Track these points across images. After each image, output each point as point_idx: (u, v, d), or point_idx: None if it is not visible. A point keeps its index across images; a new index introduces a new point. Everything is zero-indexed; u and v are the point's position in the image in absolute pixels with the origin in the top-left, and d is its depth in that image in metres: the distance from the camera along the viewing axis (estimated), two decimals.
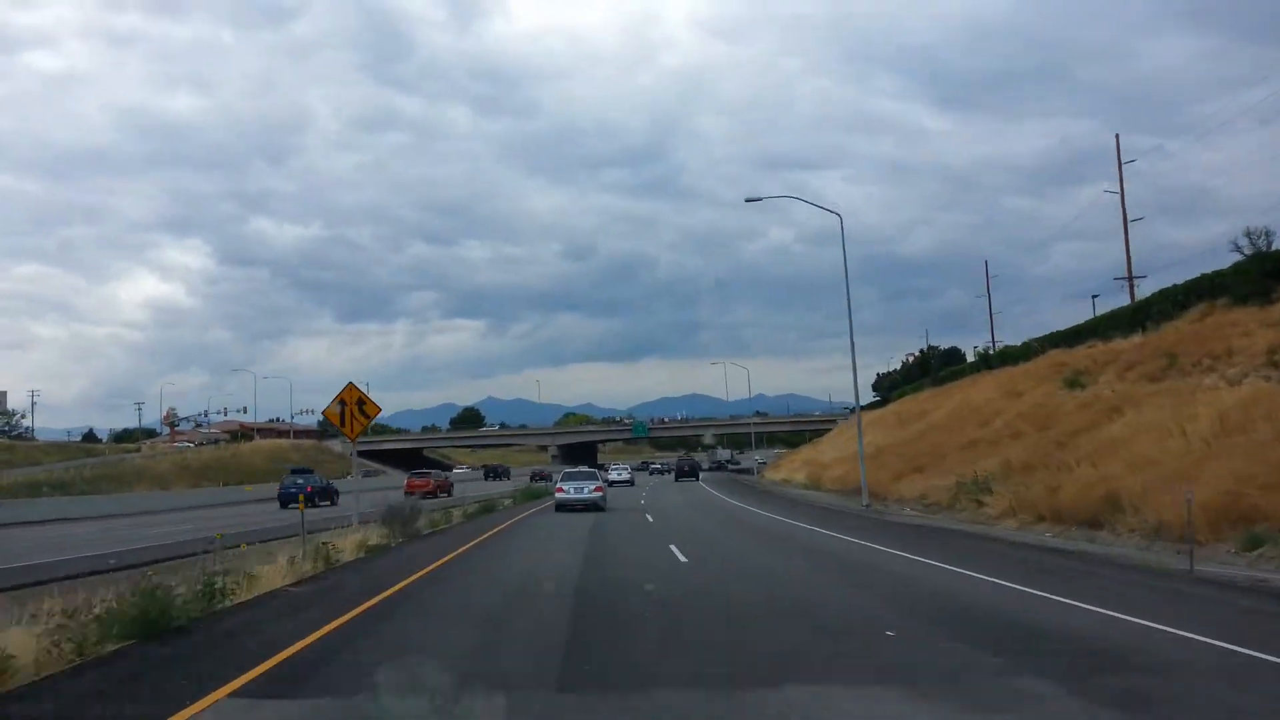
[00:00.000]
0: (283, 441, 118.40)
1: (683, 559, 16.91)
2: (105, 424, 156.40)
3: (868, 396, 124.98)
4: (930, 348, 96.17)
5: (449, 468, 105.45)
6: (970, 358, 78.60)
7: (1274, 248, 34.77)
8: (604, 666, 7.69)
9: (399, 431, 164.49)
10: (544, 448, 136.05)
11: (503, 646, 8.55)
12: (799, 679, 7.04)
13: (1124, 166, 55.70)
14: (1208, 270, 35.25)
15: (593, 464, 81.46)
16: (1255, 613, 10.52)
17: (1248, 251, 34.88)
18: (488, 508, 33.14)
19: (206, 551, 11.14)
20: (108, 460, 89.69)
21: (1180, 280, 37.74)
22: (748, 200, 33.14)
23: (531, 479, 68.20)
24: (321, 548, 14.87)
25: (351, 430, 20.65)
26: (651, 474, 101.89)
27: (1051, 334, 50.70)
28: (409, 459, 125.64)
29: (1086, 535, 19.61)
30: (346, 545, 16.58)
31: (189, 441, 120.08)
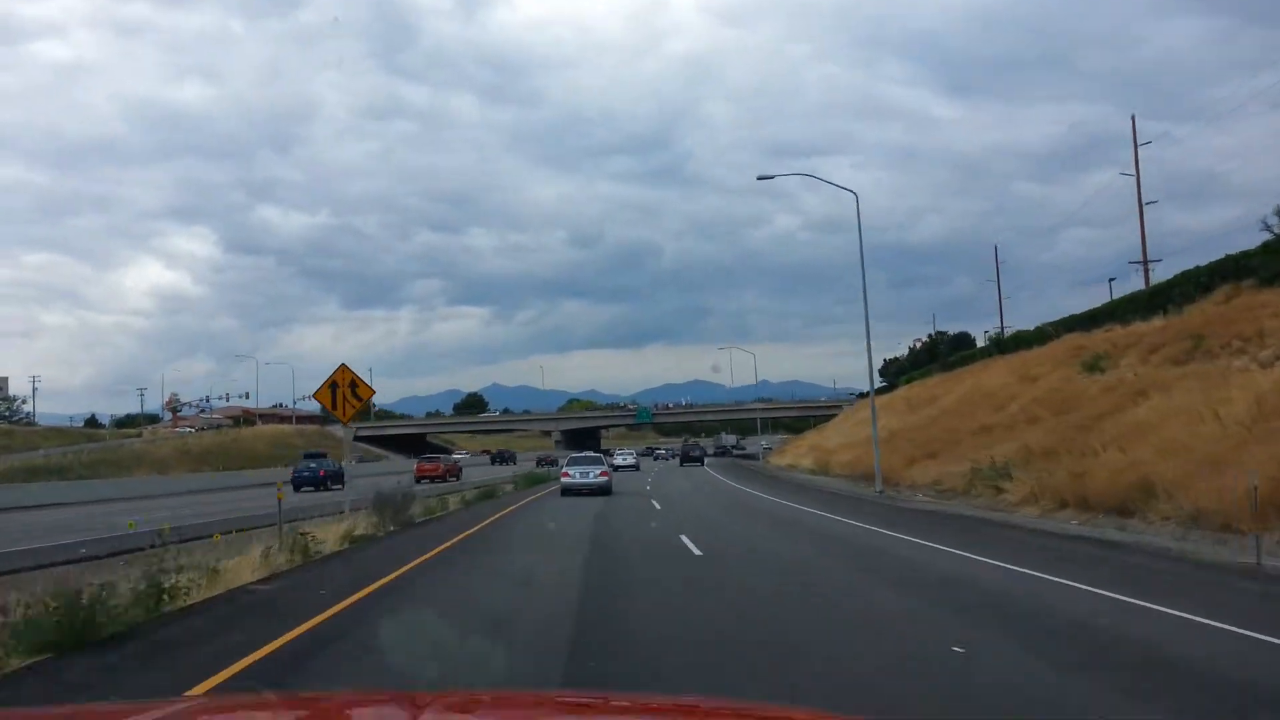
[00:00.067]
0: (285, 427, 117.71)
1: (696, 551, 15.65)
2: (112, 410, 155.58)
3: (876, 381, 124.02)
4: (939, 333, 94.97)
5: (451, 453, 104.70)
6: (980, 343, 77.42)
7: None
8: (612, 684, 6.66)
9: (403, 417, 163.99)
10: (548, 433, 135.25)
11: (494, 660, 7.26)
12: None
13: (1134, 152, 54.57)
14: (1219, 254, 34.25)
15: (597, 449, 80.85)
16: None
17: (1278, 230, 33.68)
18: (488, 494, 31.91)
19: (154, 546, 9.83)
20: (108, 445, 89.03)
21: (1193, 264, 36.72)
22: (760, 178, 32.00)
23: (538, 464, 67.66)
24: (300, 539, 13.70)
25: (344, 413, 19.63)
26: (656, 459, 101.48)
27: (1067, 318, 49.68)
28: (413, 444, 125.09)
29: (1115, 523, 18.59)
30: (329, 535, 15.35)
31: (190, 427, 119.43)
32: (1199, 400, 21.98)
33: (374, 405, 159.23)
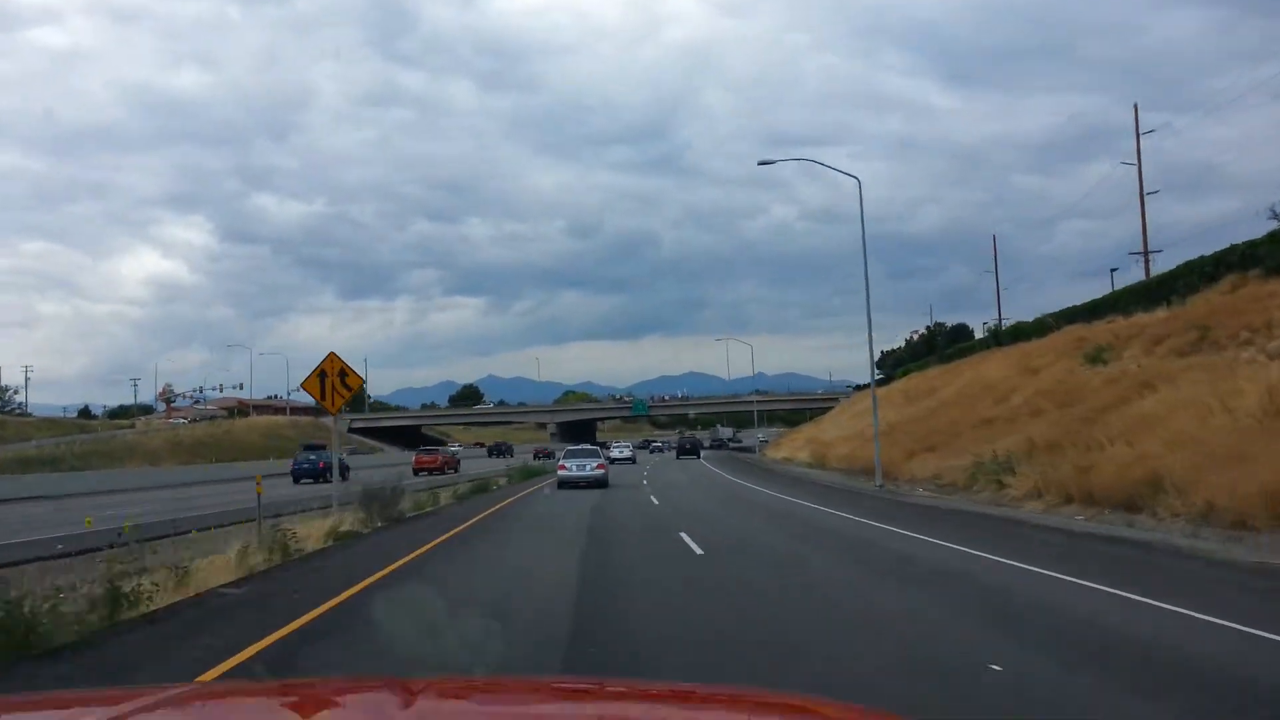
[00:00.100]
0: (279, 418, 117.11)
1: (696, 550, 14.81)
2: (107, 401, 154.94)
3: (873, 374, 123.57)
4: (937, 324, 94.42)
5: (446, 445, 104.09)
6: (979, 334, 76.95)
7: None
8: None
9: (398, 409, 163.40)
10: (543, 425, 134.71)
11: (483, 671, 6.68)
12: None
13: (1134, 141, 54.09)
14: (1218, 246, 33.82)
15: (592, 442, 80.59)
16: None
17: None
18: (481, 487, 31.23)
19: (112, 546, 9.16)
20: (100, 436, 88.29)
21: (1190, 255, 36.31)
22: (761, 163, 31.39)
23: (534, 457, 67.52)
24: (279, 536, 12.98)
25: (332, 403, 19.08)
26: (652, 452, 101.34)
27: (1067, 309, 49.30)
28: (407, 437, 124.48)
29: (1123, 519, 18.11)
30: (313, 532, 14.69)
31: (183, 418, 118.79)
32: (1207, 392, 21.49)
33: (369, 396, 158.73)
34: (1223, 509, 15.47)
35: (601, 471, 34.35)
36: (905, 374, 76.47)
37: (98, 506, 28.24)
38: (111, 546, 9.00)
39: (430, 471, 51.05)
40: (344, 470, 50.43)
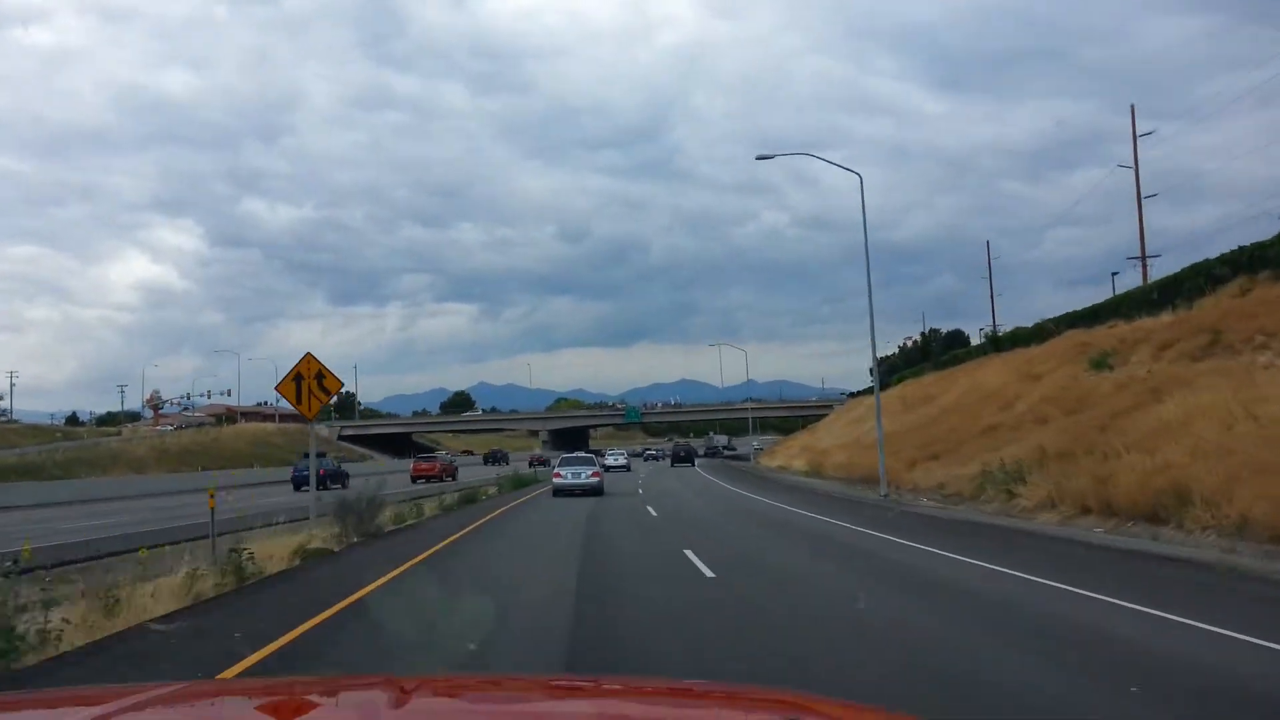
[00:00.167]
0: (267, 425, 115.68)
1: (707, 572, 13.08)
2: (95, 408, 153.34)
3: (865, 381, 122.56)
4: (932, 330, 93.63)
5: (435, 453, 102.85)
6: (975, 340, 76.09)
7: None
8: None
9: (389, 416, 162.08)
10: (535, 433, 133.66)
11: None
12: None
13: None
14: (1211, 252, 33.02)
15: (585, 449, 79.79)
16: None
17: None
18: (469, 498, 29.85)
19: (7, 574, 7.70)
20: (84, 444, 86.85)
21: (1184, 262, 35.58)
22: (759, 158, 30.40)
23: (530, 464, 66.79)
24: (234, 557, 11.45)
25: (309, 408, 17.99)
26: (646, 460, 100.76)
27: (1067, 314, 48.53)
28: (398, 444, 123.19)
29: (1147, 531, 17.15)
30: (277, 550, 13.11)
31: (170, 425, 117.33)
32: (1229, 398, 20.60)
33: (359, 404, 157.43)
34: (1258, 522, 14.53)
35: (597, 479, 34.60)
36: (900, 381, 75.58)
37: (69, 517, 27.13)
38: (6, 575, 7.50)
39: (429, 479, 51.44)
40: (343, 477, 50.86)
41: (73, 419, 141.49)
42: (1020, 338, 53.24)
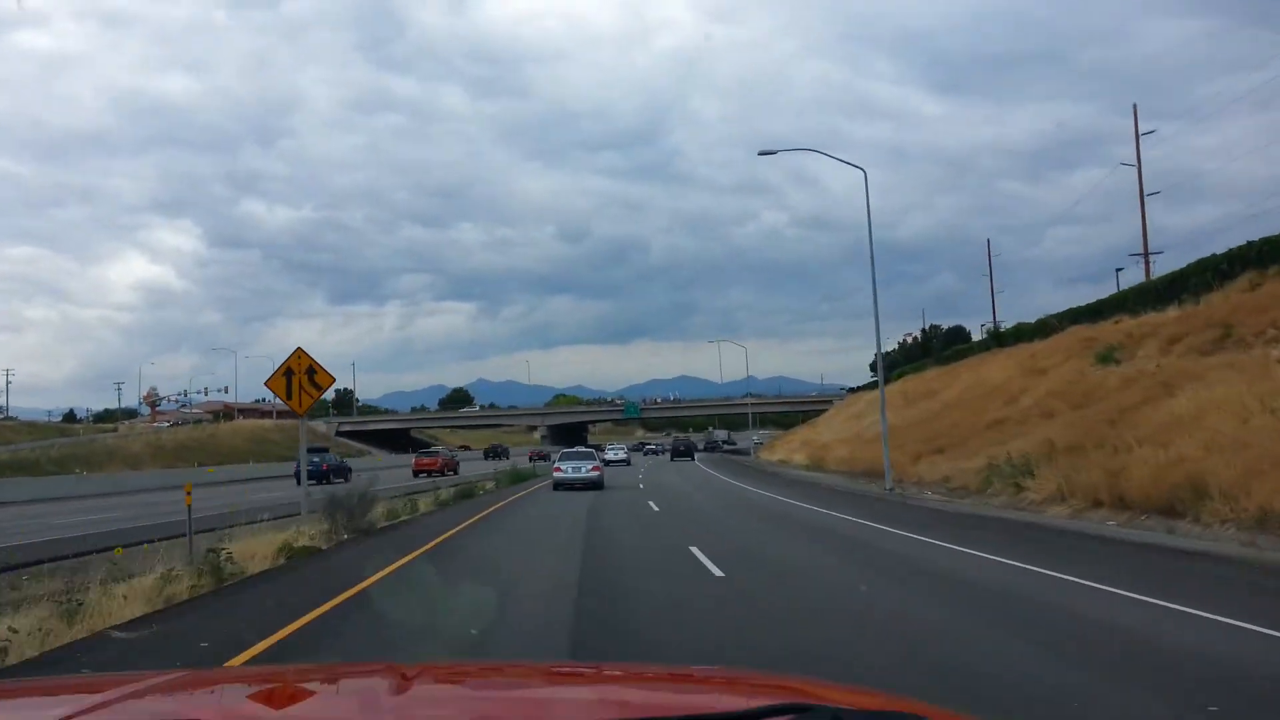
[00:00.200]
0: (265, 422, 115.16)
1: (715, 570, 12.23)
2: (95, 405, 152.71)
3: (864, 377, 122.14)
4: (932, 326, 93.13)
5: (431, 447, 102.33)
6: (976, 336, 75.68)
7: None
8: None
9: (387, 412, 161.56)
10: (533, 428, 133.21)
11: None
12: None
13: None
14: (1206, 252, 32.69)
15: (584, 445, 79.63)
16: None
17: None
18: (466, 493, 29.14)
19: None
20: (79, 440, 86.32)
21: (1182, 261, 35.28)
22: (762, 153, 29.84)
23: (530, 459, 66.94)
24: (212, 557, 10.64)
25: (300, 404, 17.47)
26: (646, 454, 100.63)
27: (1070, 309, 48.27)
28: (396, 440, 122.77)
29: (1162, 524, 16.71)
30: (259, 550, 12.31)
31: (167, 422, 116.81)
32: (1243, 392, 20.18)
33: (357, 400, 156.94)
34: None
35: (597, 474, 34.81)
36: (901, 376, 75.17)
37: (59, 513, 26.67)
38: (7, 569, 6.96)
39: (430, 473, 51.39)
40: (346, 471, 51.15)
41: (70, 416, 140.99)
42: (1023, 333, 52.93)
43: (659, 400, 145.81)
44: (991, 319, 73.76)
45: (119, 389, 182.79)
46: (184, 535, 12.76)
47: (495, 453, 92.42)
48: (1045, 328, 48.55)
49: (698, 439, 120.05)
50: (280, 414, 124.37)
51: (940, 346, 78.26)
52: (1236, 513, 15.19)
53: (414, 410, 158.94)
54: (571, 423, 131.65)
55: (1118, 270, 59.52)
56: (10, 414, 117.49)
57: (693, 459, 77.21)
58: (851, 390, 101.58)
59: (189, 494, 12.68)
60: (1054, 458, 23.02)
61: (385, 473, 58.89)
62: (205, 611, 9.48)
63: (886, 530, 18.16)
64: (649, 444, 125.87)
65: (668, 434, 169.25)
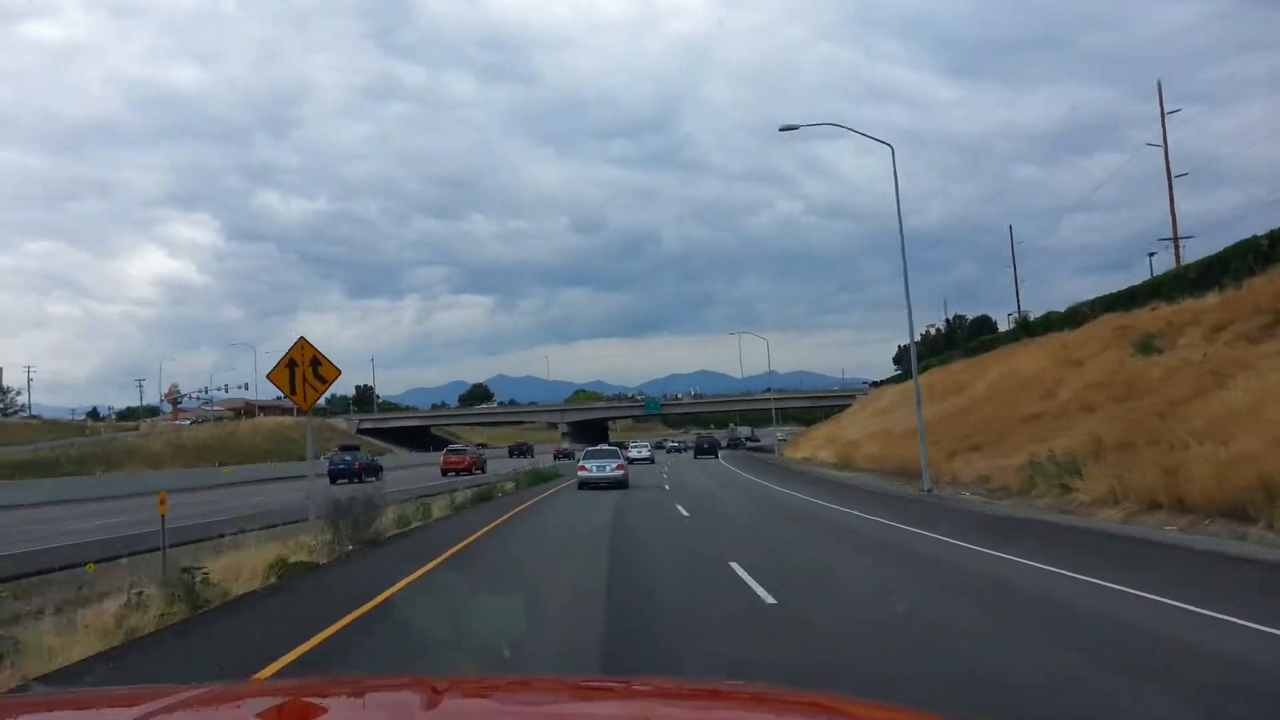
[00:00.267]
0: (285, 419, 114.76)
1: (767, 598, 10.15)
2: (119, 402, 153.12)
3: (887, 370, 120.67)
4: (957, 317, 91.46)
5: (451, 444, 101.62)
6: (1003, 326, 74.13)
7: None
8: None
9: (408, 409, 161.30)
10: (553, 425, 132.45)
11: None
12: None
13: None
14: (1232, 238, 31.36)
15: (604, 441, 79.08)
16: None
17: None
18: (484, 495, 27.73)
19: None
20: (100, 439, 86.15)
21: (1204, 245, 33.90)
22: (783, 129, 28.57)
23: (555, 457, 66.75)
24: (185, 577, 9.20)
25: (304, 398, 16.56)
26: (669, 452, 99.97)
27: (1102, 296, 46.85)
28: (417, 437, 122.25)
29: (1229, 530, 15.53)
30: (246, 566, 10.73)
31: (188, 419, 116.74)
32: None
33: (378, 397, 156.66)
34: None
35: (621, 472, 34.81)
36: (926, 369, 73.76)
37: (69, 516, 25.91)
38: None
39: (458, 472, 52.07)
40: (377, 470, 51.07)
41: (93, 414, 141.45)
42: (1053, 322, 51.54)
43: (679, 396, 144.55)
44: (1016, 308, 72.33)
45: (140, 386, 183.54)
46: (184, 543, 11.72)
47: (520, 451, 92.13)
48: (1077, 316, 47.17)
49: (720, 435, 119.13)
50: (301, 411, 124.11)
51: (966, 337, 76.73)
52: None
53: (434, 407, 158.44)
54: (592, 419, 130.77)
55: (1150, 255, 57.97)
56: (33, 412, 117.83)
57: (716, 456, 76.53)
58: (875, 384, 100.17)
59: (163, 503, 11.05)
60: (1102, 455, 21.80)
61: (406, 472, 58.21)
62: (168, 649, 8.04)
63: (941, 540, 16.12)
64: (672, 441, 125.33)
65: (686, 430, 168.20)
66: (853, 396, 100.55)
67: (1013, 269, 74.79)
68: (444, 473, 52.08)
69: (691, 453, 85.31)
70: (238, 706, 2.30)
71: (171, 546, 11.47)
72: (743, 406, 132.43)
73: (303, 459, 76.69)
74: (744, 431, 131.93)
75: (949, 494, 27.52)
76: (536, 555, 15.22)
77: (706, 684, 3.09)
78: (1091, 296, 48.13)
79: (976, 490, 26.93)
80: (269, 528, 14.54)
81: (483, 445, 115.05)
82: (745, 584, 11.27)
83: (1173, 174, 54.95)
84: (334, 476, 45.68)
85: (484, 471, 52.87)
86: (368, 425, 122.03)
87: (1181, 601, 9.44)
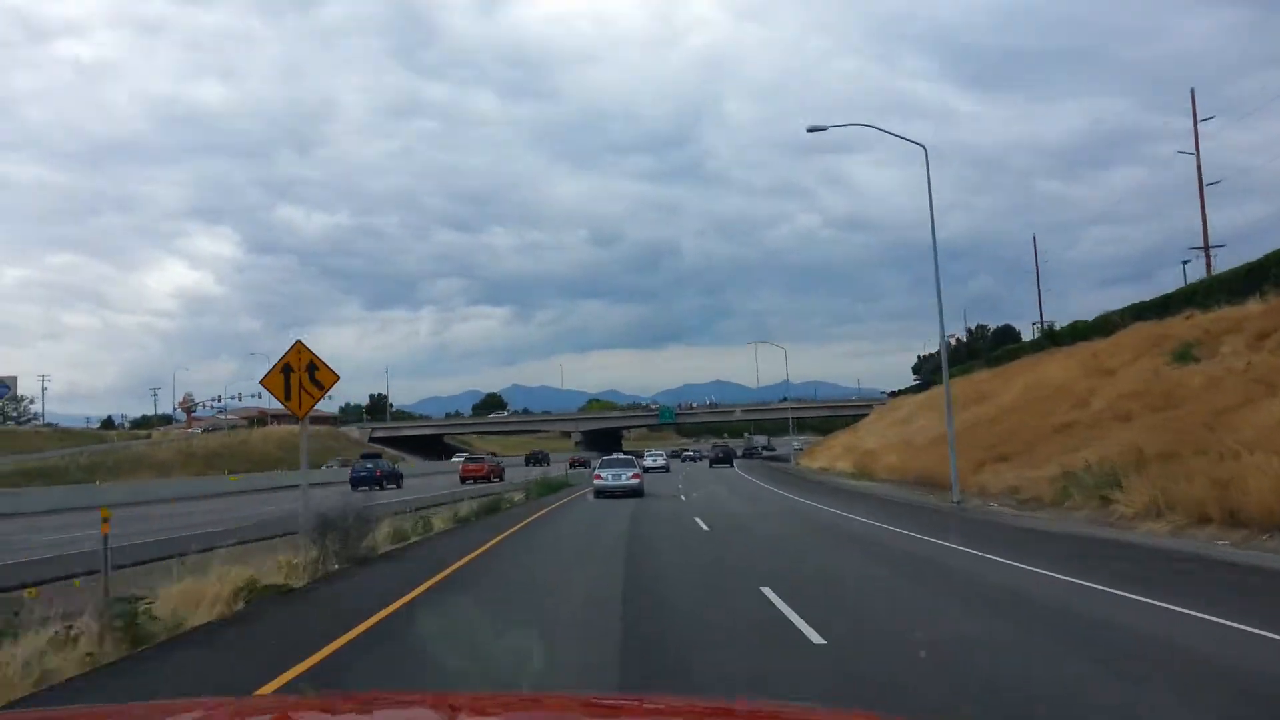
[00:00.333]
0: (297, 427, 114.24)
1: (814, 636, 8.39)
2: (136, 412, 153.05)
3: (904, 380, 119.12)
4: (979, 327, 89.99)
5: (457, 454, 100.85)
6: (1027, 336, 72.78)
7: None
8: None
9: (420, 418, 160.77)
10: (568, 434, 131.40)
11: None
12: None
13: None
14: (1262, 249, 30.17)
15: (620, 451, 78.28)
16: None
17: None
18: (491, 506, 26.23)
19: None
20: (111, 448, 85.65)
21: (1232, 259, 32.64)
22: (810, 130, 27.46)
23: (571, 465, 66.49)
24: (124, 607, 7.76)
25: (299, 405, 15.49)
26: (684, 460, 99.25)
27: (1133, 305, 45.63)
28: (430, 446, 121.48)
29: None
30: (210, 590, 9.27)
31: (199, 428, 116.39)
32: None
33: (391, 405, 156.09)
34: None
35: (637, 481, 34.57)
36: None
37: (62, 527, 25.01)
38: None
39: (477, 479, 52.90)
40: (398, 478, 51.00)
41: (108, 423, 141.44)
42: (1080, 331, 50.34)
43: (694, 405, 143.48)
44: (1038, 318, 71.02)
45: (155, 395, 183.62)
46: (150, 560, 10.57)
47: (536, 459, 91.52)
48: (1107, 325, 45.96)
49: (735, 445, 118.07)
50: (314, 420, 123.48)
51: (988, 347, 75.35)
52: None
53: (448, 416, 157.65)
54: (606, 428, 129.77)
55: (1184, 263, 56.66)
56: (48, 421, 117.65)
57: (732, 466, 75.98)
58: (893, 394, 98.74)
59: (105, 520, 9.37)
60: (1144, 466, 20.58)
61: (418, 480, 57.23)
62: (87, 702, 6.46)
63: (1012, 565, 13.83)
64: (687, 450, 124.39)
65: (698, 439, 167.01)
66: (870, 406, 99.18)
67: (1035, 280, 73.59)
68: (462, 480, 52.75)
69: (707, 462, 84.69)
70: None
71: (134, 565, 10.19)
72: (758, 416, 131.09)
73: (317, 467, 76.10)
74: (760, 441, 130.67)
75: (978, 506, 26.29)
76: (540, 581, 13.47)
77: (720, 702, 2.98)
78: (1113, 308, 47.02)
79: (1005, 502, 25.73)
80: (259, 540, 13.42)
81: (493, 454, 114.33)
82: (784, 617, 9.46)
83: (1194, 187, 53.70)
84: (355, 484, 46.05)
85: (502, 479, 53.37)
86: (380, 434, 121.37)
87: None
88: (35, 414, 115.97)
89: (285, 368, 15.43)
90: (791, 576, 12.89)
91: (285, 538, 14.59)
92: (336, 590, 11.97)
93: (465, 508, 23.63)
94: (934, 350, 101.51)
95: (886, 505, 28.92)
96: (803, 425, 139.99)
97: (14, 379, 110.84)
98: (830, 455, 70.57)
